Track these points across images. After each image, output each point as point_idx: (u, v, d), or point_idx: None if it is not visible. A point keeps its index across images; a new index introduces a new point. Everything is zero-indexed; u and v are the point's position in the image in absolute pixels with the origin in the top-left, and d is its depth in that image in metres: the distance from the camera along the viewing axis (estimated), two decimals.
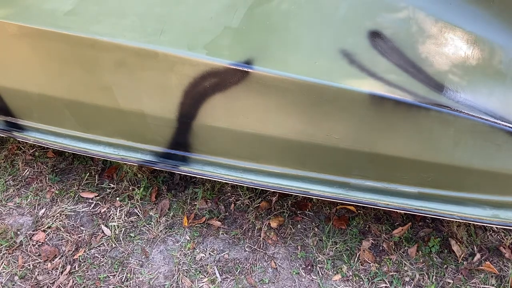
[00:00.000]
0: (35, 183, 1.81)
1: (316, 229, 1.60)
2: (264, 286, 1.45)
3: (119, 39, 1.19)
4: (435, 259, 1.51)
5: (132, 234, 1.61)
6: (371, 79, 1.14)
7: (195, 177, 1.76)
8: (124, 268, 1.49)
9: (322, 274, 1.47)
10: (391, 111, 1.14)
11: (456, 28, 1.20)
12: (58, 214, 1.69)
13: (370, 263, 1.50)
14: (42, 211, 1.71)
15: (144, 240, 1.59)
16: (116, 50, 1.20)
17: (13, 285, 1.45)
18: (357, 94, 1.13)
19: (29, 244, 1.59)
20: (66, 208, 1.71)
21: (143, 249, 1.57)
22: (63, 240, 1.60)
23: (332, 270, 1.48)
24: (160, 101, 1.28)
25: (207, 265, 1.50)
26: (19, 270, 1.52)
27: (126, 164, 1.81)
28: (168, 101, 1.27)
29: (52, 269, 1.52)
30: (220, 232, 1.59)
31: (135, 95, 1.27)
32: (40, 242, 1.60)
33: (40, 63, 1.31)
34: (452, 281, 1.44)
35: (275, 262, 1.51)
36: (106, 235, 1.61)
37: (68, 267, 1.52)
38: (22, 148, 1.97)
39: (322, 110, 1.17)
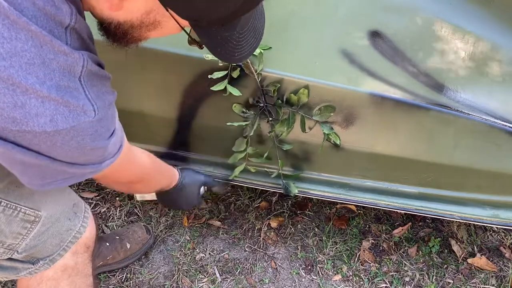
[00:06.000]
0: None
1: (316, 229, 1.60)
2: (264, 286, 1.45)
3: None
4: (435, 259, 1.51)
5: None
6: (371, 79, 1.14)
7: None
8: (123, 268, 1.48)
9: (322, 274, 1.47)
10: (391, 111, 1.14)
11: (456, 28, 1.20)
12: None
13: (370, 263, 1.50)
14: None
15: None
16: (115, 50, 1.20)
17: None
18: (357, 94, 1.13)
19: None
20: None
21: None
22: None
23: (332, 270, 1.48)
24: (160, 101, 1.28)
25: (207, 265, 1.50)
26: None
27: None
28: (168, 101, 1.27)
29: None
30: (220, 232, 1.59)
31: (135, 95, 1.27)
32: None
33: None
34: (452, 281, 1.44)
35: (275, 262, 1.51)
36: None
37: None
38: None
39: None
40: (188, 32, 0.75)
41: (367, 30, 1.18)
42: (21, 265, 0.95)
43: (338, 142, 1.19)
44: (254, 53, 1.13)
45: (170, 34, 0.77)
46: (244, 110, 1.20)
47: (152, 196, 1.31)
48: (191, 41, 0.78)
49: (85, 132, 0.66)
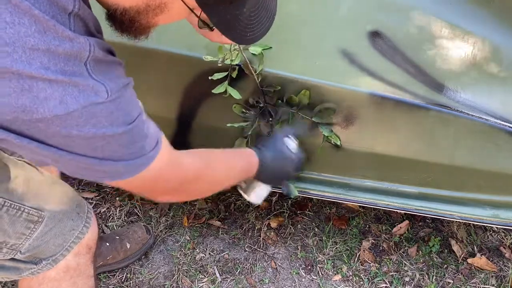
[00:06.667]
0: None
1: (316, 229, 1.60)
2: (264, 286, 1.45)
3: (119, 39, 1.19)
4: (435, 259, 1.51)
5: None
6: (371, 79, 1.14)
7: None
8: (123, 268, 1.49)
9: (322, 274, 1.47)
10: (391, 111, 1.14)
11: (456, 28, 1.20)
12: None
13: (370, 263, 1.50)
14: None
15: None
16: (116, 50, 1.20)
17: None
18: (357, 94, 1.13)
19: None
20: None
21: None
22: None
23: (332, 270, 1.48)
24: (160, 101, 1.28)
25: (207, 265, 1.50)
26: None
27: None
28: (168, 101, 1.27)
29: None
30: (220, 232, 1.59)
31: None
32: None
33: None
34: (452, 281, 1.44)
35: (275, 262, 1.51)
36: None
37: None
38: None
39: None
40: (198, 15, 0.72)
41: (367, 30, 1.18)
42: (23, 265, 0.94)
43: (338, 143, 1.19)
44: (254, 52, 1.13)
45: (180, 19, 0.74)
46: (244, 110, 1.20)
47: (267, 188, 1.17)
48: (201, 24, 0.74)
49: (99, 114, 0.62)
